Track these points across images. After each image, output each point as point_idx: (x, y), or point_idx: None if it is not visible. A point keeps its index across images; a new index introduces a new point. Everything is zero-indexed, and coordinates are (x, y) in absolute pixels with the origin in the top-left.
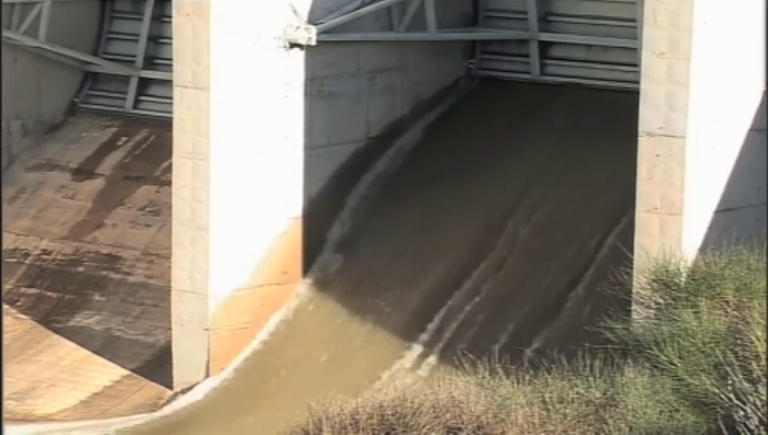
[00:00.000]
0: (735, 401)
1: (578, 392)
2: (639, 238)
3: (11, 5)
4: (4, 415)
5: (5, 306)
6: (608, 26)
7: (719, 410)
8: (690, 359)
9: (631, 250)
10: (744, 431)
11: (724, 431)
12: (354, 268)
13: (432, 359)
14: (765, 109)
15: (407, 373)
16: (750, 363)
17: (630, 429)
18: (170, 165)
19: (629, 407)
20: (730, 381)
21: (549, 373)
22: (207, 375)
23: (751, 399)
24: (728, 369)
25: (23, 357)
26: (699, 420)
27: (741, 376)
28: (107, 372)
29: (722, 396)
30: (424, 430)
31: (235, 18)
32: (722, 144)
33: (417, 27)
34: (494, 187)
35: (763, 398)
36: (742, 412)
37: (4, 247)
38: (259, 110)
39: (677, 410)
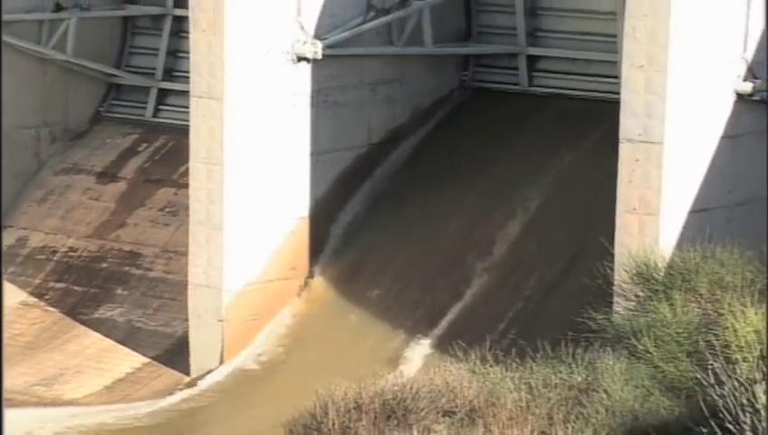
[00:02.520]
0: (715, 384)
1: (561, 378)
2: (620, 237)
3: (40, 22)
4: (34, 399)
5: (34, 300)
6: (591, 41)
7: (698, 392)
8: (665, 348)
9: (613, 246)
10: (721, 413)
11: (706, 413)
12: (357, 264)
13: (428, 348)
14: (736, 117)
15: (405, 361)
16: (724, 350)
17: (607, 411)
18: (187, 169)
19: (608, 391)
20: (710, 366)
21: (535, 361)
22: (221, 363)
23: (729, 382)
24: (708, 354)
25: (51, 346)
26: (672, 404)
27: (720, 361)
28: (129, 360)
29: (701, 380)
30: (422, 414)
31: (247, 34)
32: (696, 150)
33: (414, 42)
34: (486, 190)
35: (741, 379)
36: (720, 394)
37: (34, 245)
38: (269, 118)
39: (652, 395)
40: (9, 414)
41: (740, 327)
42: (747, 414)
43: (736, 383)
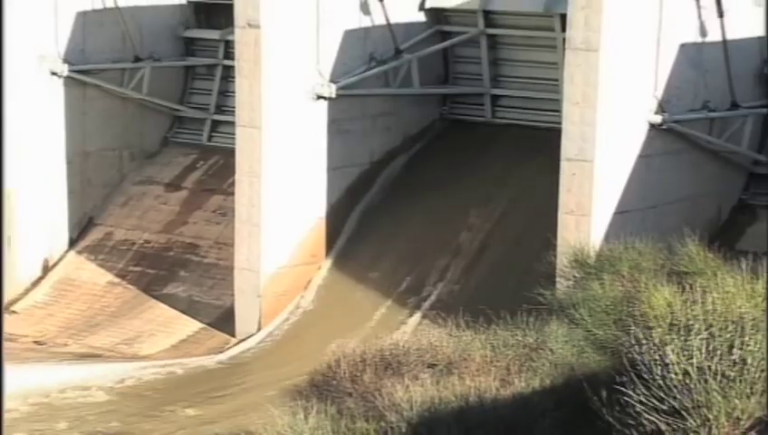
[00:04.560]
0: (635, 345)
1: (517, 339)
2: (561, 232)
3: (123, 70)
4: (118, 355)
5: (118, 280)
6: (539, 84)
7: (621, 350)
8: (596, 316)
9: (556, 239)
10: (639, 366)
11: (627, 366)
12: (360, 253)
13: (417, 317)
14: (649, 142)
15: (400, 327)
16: (641, 318)
17: (551, 364)
18: (233, 181)
19: (552, 349)
20: (631, 331)
21: (497, 326)
22: (259, 328)
23: (645, 342)
24: (629, 322)
25: (130, 315)
26: (600, 359)
27: (640, 328)
28: (189, 326)
29: (625, 341)
30: (411, 366)
31: (279, 79)
32: (618, 166)
33: (405, 84)
34: (459, 197)
35: (655, 342)
36: (639, 352)
37: (117, 238)
38: (295, 142)
39: (585, 352)
40: (102, 367)
41: (654, 301)
42: (658, 367)
43: (651, 344)
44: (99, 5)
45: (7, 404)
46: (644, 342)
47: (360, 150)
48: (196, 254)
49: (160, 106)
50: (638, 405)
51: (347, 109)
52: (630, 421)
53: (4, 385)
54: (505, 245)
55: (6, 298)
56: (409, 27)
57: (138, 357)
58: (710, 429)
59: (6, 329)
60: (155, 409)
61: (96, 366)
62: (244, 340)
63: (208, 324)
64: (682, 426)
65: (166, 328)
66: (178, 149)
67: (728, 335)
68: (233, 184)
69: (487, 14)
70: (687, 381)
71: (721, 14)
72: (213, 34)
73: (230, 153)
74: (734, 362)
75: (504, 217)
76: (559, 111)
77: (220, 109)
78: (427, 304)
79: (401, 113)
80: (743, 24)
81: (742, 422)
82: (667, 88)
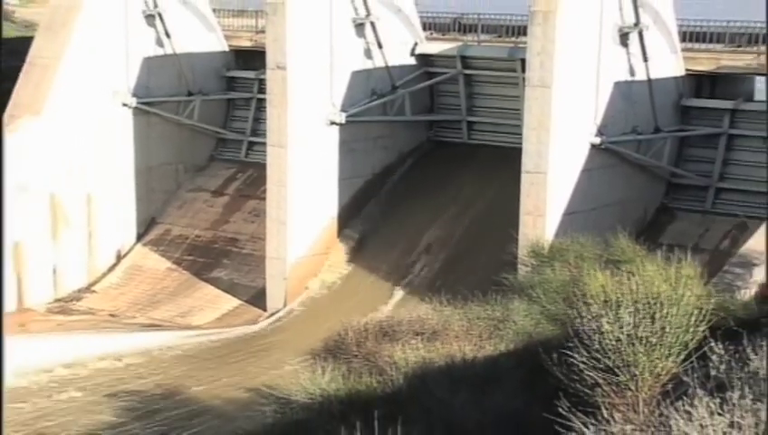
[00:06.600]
0: (578, 318)
1: (487, 313)
2: (522, 229)
3: (178, 102)
4: (175, 325)
5: (175, 266)
6: (505, 113)
7: (567, 322)
8: (549, 295)
9: (518, 235)
10: (583, 334)
11: (571, 335)
12: (364, 247)
13: (408, 296)
14: (591, 158)
15: (394, 304)
16: (583, 296)
17: (513, 332)
18: (265, 188)
19: (515, 321)
20: (576, 307)
21: (472, 303)
22: (285, 305)
23: (586, 315)
24: (575, 298)
25: (185, 294)
26: (553, 329)
27: (581, 305)
28: (230, 302)
29: (570, 315)
30: (403, 333)
31: (301, 108)
32: (567, 177)
33: (400, 113)
34: (443, 202)
35: (592, 315)
36: (581, 323)
37: (174, 234)
38: (313, 158)
39: (541, 323)
40: (163, 334)
41: (592, 284)
42: (596, 334)
43: (590, 317)
44: (160, 52)
45: (94, 363)
46: (585, 315)
47: (364, 165)
48: (236, 246)
49: (208, 130)
50: (581, 364)
51: (354, 132)
52: (575, 377)
53: (3, 382)
54: (478, 239)
55: (87, 281)
56: (403, 69)
57: (190, 327)
58: (637, 382)
59: (87, 305)
60: (203, 366)
61: (158, 334)
62: (273, 314)
63: (245, 301)
64: (615, 380)
65: (212, 304)
66: (222, 164)
67: (650, 309)
68: (264, 191)
69: (464, 59)
70: (619, 346)
71: (646, 59)
72: (249, 74)
73: (262, 167)
74: (656, 331)
75: (477, 218)
76: (520, 134)
77: (255, 132)
78: (416, 286)
79: (397, 136)
80: (663, 67)
81: (661, 377)
82: (604, 116)
